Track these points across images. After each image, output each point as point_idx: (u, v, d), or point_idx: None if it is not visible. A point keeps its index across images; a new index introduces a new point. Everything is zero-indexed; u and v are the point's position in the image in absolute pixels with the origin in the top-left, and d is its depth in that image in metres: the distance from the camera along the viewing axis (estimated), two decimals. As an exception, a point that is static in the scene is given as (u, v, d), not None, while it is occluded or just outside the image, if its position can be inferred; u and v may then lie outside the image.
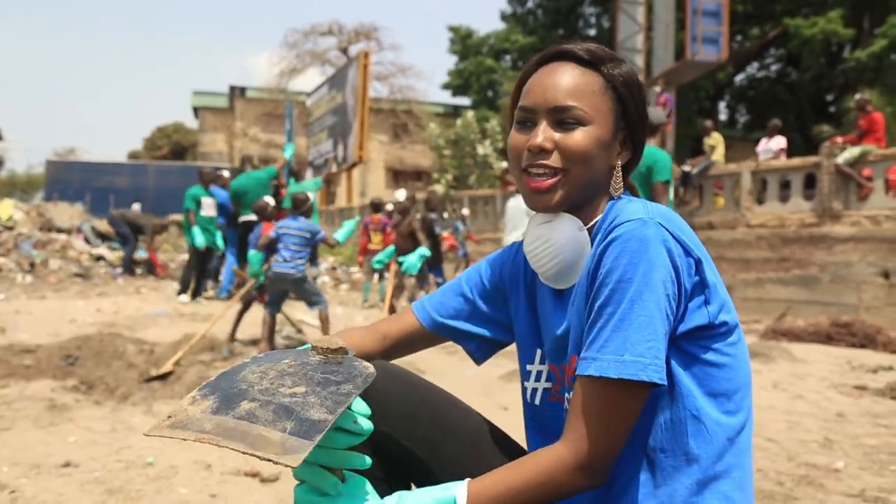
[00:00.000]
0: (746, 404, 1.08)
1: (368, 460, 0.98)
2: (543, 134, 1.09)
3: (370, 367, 0.98)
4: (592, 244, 1.10)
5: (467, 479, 0.99)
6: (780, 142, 10.83)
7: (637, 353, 0.95)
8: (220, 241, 9.83)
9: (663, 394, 1.02)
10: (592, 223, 1.13)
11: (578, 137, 1.08)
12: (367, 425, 0.97)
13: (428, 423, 1.16)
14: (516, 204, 7.56)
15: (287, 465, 0.77)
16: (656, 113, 4.75)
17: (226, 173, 10.73)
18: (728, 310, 1.06)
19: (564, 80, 1.10)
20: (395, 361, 1.29)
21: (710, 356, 1.04)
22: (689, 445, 1.03)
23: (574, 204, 1.12)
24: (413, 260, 6.41)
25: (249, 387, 0.90)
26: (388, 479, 1.15)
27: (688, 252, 1.01)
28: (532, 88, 1.12)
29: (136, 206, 13.87)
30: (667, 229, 1.00)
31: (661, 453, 1.03)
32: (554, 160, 1.09)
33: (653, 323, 0.96)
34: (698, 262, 1.02)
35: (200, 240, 9.47)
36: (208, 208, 9.70)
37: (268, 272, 5.56)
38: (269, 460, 0.77)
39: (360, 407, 0.99)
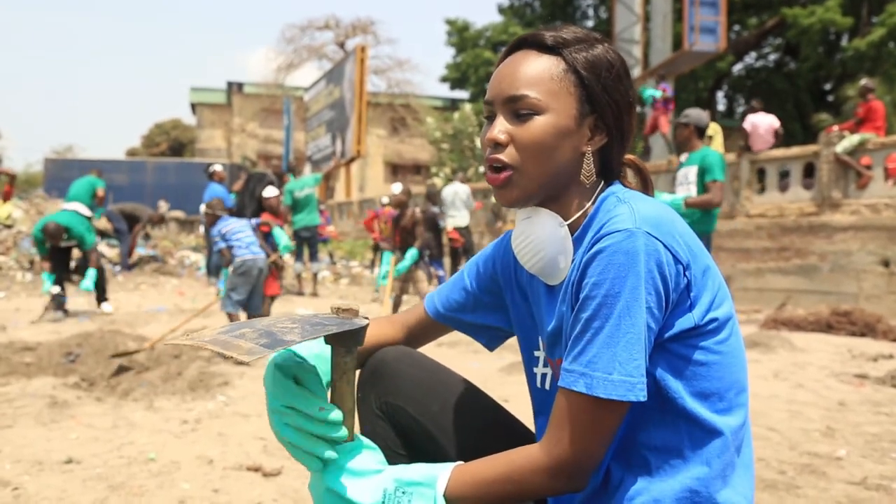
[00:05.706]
0: (742, 401, 1.06)
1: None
2: (498, 127, 1.06)
3: (364, 321, 1.02)
4: (579, 241, 1.08)
5: (457, 462, 1.01)
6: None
7: (626, 373, 0.94)
8: None
9: (652, 396, 1.00)
10: (576, 217, 1.10)
11: (532, 128, 1.04)
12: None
13: (441, 401, 1.21)
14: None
15: (242, 363, 0.89)
16: None
17: (218, 167, 10.71)
18: (719, 304, 1.03)
19: (520, 69, 1.07)
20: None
21: (697, 355, 1.02)
22: (683, 445, 1.02)
23: (543, 196, 1.09)
24: (406, 263, 6.75)
25: (259, 322, 1.01)
26: (410, 455, 1.21)
27: (677, 259, 0.98)
28: (492, 81, 1.11)
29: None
30: (655, 237, 0.96)
31: (655, 451, 1.03)
32: (507, 154, 1.06)
33: (640, 340, 0.95)
34: (686, 267, 0.99)
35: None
36: None
37: (243, 264, 5.14)
38: (231, 358, 0.91)
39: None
